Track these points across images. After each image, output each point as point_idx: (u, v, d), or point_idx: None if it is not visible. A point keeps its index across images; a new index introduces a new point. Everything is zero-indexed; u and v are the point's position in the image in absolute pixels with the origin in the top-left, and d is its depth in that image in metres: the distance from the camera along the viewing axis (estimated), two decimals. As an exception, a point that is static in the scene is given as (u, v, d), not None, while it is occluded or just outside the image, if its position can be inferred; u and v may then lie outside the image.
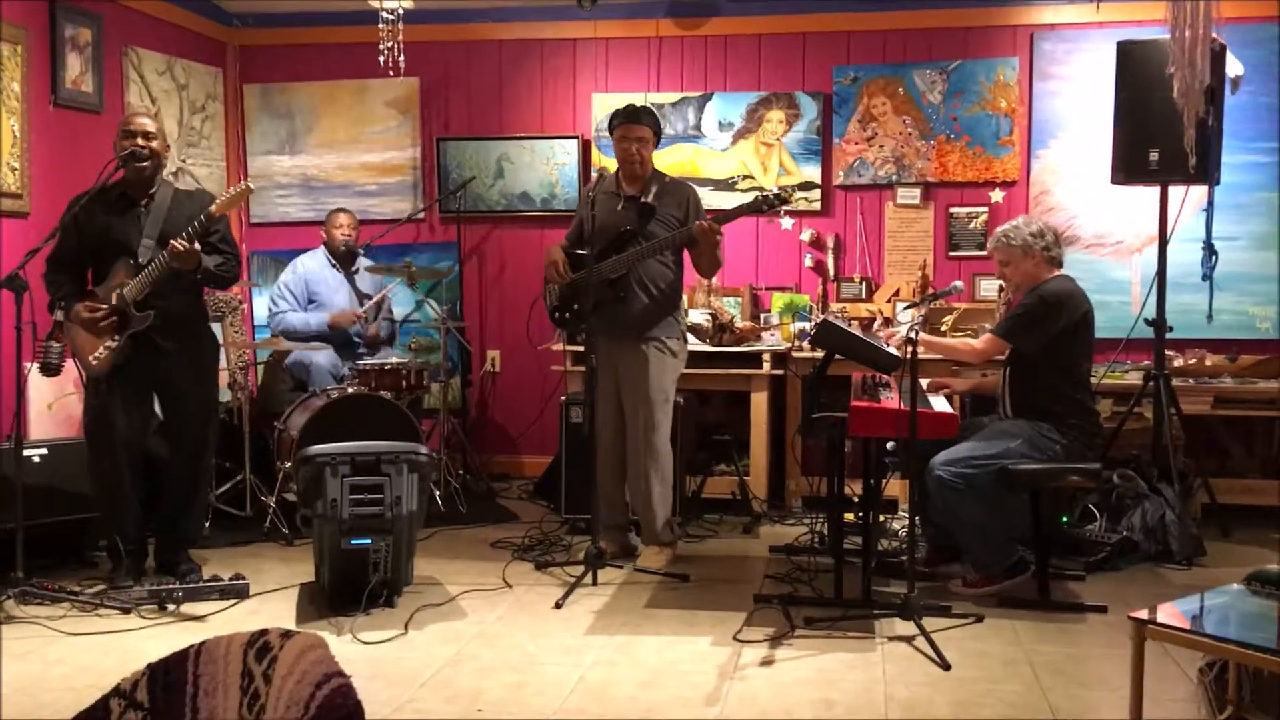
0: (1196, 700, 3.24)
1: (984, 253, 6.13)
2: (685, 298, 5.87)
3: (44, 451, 4.71)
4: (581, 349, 5.07)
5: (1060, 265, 4.47)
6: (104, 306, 4.30)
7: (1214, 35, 4.18)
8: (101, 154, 4.48)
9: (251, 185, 4.57)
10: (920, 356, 3.94)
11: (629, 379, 4.72)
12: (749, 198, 4.74)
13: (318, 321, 5.84)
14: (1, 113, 5.02)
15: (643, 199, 4.69)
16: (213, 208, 4.34)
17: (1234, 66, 5.30)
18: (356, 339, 5.89)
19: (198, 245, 4.28)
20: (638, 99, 6.30)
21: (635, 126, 4.68)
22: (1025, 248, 4.39)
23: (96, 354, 4.32)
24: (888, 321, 5.76)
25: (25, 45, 5.14)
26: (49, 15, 5.32)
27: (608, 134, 4.87)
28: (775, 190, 4.65)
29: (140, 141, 4.34)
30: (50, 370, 4.25)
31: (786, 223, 6.36)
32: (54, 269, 4.39)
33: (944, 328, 5.79)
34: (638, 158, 4.69)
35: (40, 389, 4.99)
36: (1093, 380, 4.64)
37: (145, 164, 4.35)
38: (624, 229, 4.65)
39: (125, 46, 5.88)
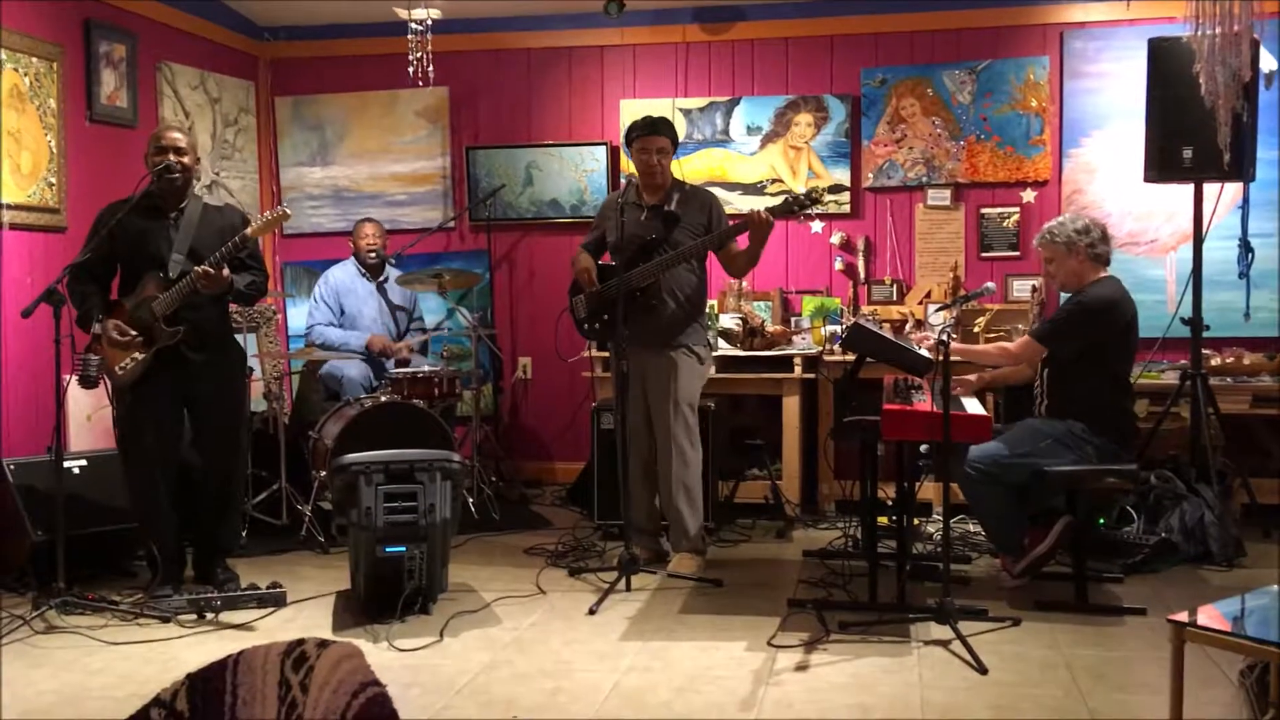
0: (1237, 703, 3.19)
1: (1016, 253, 6.12)
2: (715, 303, 5.88)
3: (83, 463, 4.78)
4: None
5: (1107, 263, 4.42)
6: (133, 331, 4.32)
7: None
8: (136, 169, 4.53)
9: (289, 211, 4.57)
10: (951, 359, 3.92)
11: (656, 386, 4.72)
12: (778, 201, 4.73)
13: (357, 341, 5.88)
14: (39, 129, 5.10)
15: (666, 208, 4.71)
16: (248, 231, 4.37)
17: (1267, 62, 5.25)
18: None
19: (226, 270, 4.31)
20: (665, 105, 6.34)
21: (654, 138, 4.69)
22: (1069, 244, 4.35)
23: (122, 364, 4.35)
24: (919, 324, 5.73)
25: (61, 62, 5.21)
26: (84, 32, 5.40)
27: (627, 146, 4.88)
28: (804, 192, 4.64)
29: (172, 157, 4.38)
30: (89, 383, 4.31)
31: (816, 226, 6.34)
32: (79, 278, 4.35)
33: (976, 329, 5.75)
34: (658, 168, 4.71)
35: (79, 401, 5.05)
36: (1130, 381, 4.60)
37: (177, 176, 4.39)
38: (650, 238, 4.66)
39: (159, 62, 5.96)
